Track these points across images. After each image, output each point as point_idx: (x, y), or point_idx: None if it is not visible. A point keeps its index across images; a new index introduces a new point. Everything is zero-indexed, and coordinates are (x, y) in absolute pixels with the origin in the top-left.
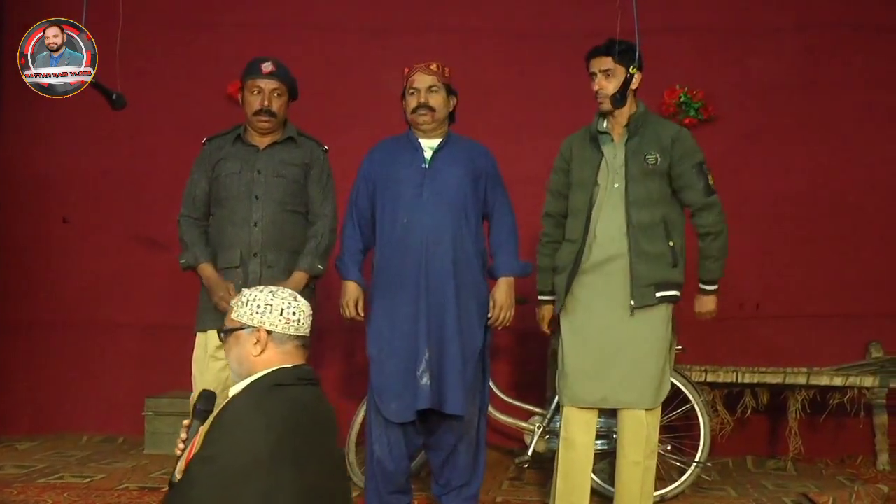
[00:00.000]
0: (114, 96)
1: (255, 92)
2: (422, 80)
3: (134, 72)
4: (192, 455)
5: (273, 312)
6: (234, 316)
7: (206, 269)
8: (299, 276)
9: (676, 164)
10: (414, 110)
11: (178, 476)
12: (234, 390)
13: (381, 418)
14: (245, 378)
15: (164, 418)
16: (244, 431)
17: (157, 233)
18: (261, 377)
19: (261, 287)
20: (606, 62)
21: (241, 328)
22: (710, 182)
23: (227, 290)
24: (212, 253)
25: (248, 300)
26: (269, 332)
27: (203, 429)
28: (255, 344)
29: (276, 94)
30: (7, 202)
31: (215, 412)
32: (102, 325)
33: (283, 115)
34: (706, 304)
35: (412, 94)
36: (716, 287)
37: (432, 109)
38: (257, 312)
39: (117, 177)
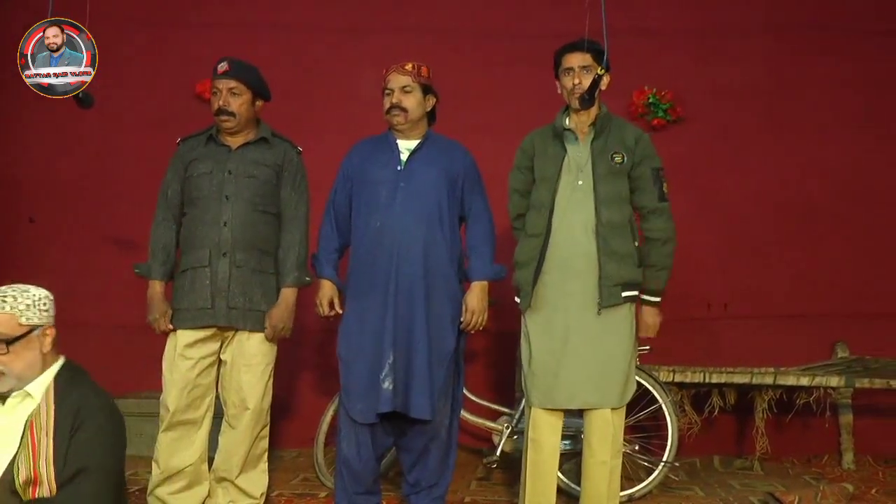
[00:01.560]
0: (80, 95)
1: (215, 93)
2: (395, 81)
3: (102, 70)
4: (46, 466)
5: (52, 306)
6: (23, 321)
7: (155, 286)
8: (289, 293)
9: (637, 166)
10: (387, 111)
11: None
12: (37, 389)
13: (350, 419)
14: (33, 378)
15: (133, 419)
16: (119, 431)
17: (125, 232)
18: (60, 371)
19: (15, 287)
20: (587, 58)
21: (32, 330)
22: (665, 189)
23: (163, 314)
24: (168, 272)
25: (31, 302)
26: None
27: (47, 432)
28: (49, 340)
29: (233, 93)
30: None
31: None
32: (70, 325)
33: (246, 114)
34: (649, 316)
35: (387, 94)
36: (659, 300)
37: (404, 110)
38: (44, 309)
39: (85, 176)
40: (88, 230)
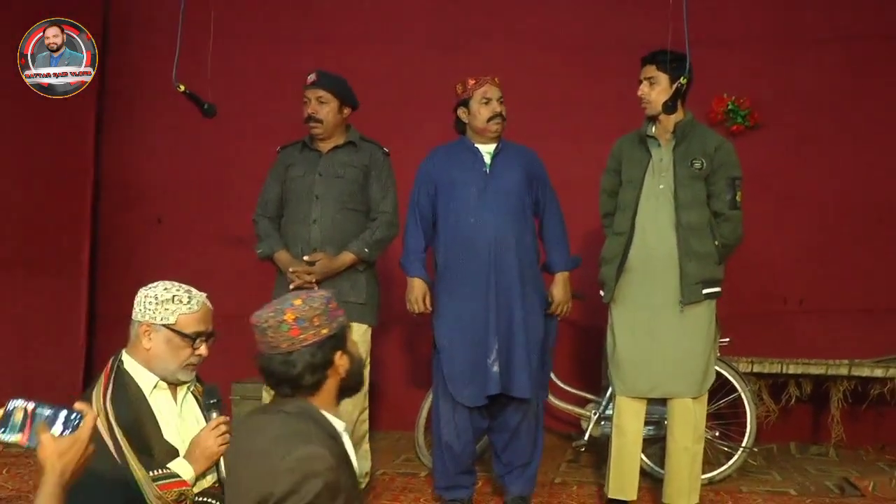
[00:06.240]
0: (205, 106)
1: (305, 102)
2: (493, 92)
3: (223, 82)
4: None
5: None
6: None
7: (283, 255)
8: (345, 255)
9: (714, 173)
10: (490, 119)
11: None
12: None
13: (450, 405)
14: None
15: (250, 402)
16: None
17: (241, 231)
18: None
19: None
20: (650, 70)
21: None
22: (738, 198)
23: (294, 261)
24: (284, 243)
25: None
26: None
27: None
28: None
29: (320, 102)
30: (108, 204)
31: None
32: None
33: (333, 120)
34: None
35: (485, 103)
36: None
37: (504, 119)
38: None
39: (206, 180)
40: (209, 229)
